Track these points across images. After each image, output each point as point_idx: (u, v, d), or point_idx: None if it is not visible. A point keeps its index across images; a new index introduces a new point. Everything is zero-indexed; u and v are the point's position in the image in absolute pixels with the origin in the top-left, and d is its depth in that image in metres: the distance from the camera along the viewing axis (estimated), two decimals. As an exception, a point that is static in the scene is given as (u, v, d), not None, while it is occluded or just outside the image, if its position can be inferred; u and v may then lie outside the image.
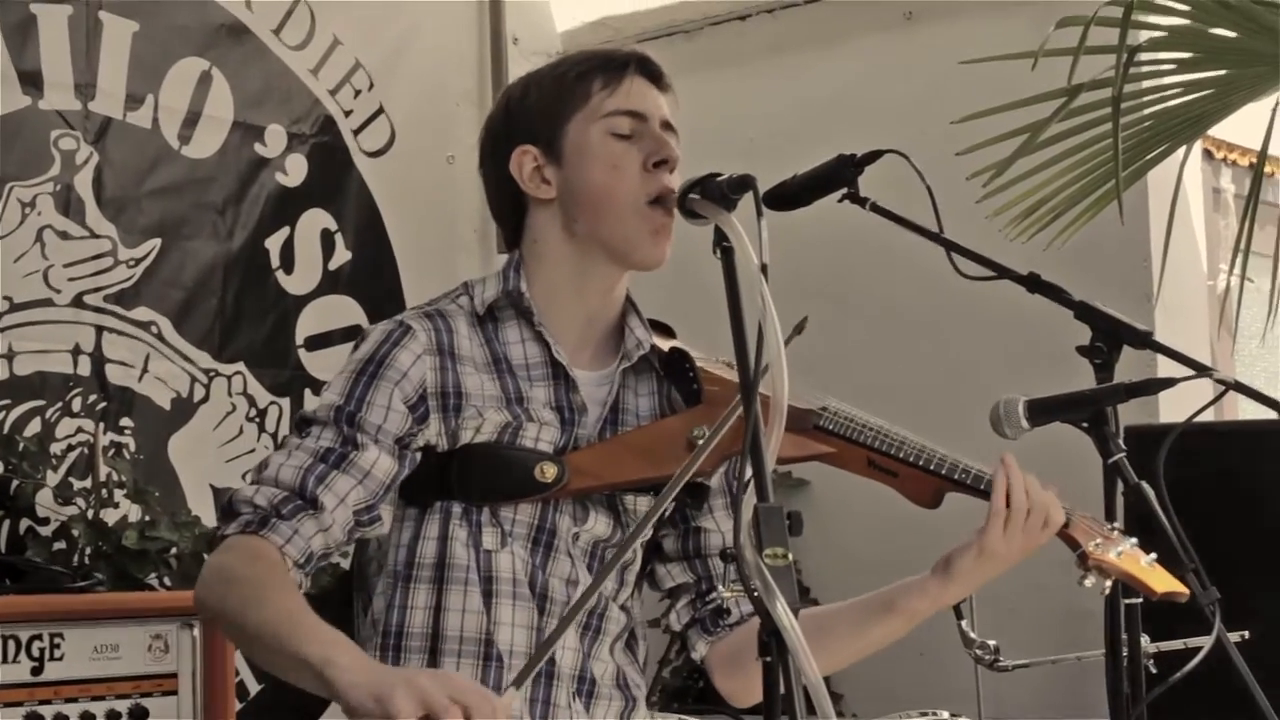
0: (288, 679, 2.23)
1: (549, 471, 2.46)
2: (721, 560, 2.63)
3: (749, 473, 1.94)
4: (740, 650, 2.62)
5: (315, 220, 5.41)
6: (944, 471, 2.57)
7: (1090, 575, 2.55)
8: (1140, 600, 2.62)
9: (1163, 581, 2.56)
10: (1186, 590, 2.55)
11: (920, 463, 2.57)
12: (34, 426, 4.61)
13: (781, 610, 1.84)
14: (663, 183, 2.49)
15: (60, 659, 3.72)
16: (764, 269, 2.08)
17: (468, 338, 2.51)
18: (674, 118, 2.60)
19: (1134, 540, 2.59)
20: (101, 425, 4.74)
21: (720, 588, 2.63)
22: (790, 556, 1.90)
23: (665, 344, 2.64)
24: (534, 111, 2.59)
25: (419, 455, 2.45)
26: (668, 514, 2.64)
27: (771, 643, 1.85)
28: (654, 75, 2.61)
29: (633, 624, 2.63)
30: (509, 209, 2.63)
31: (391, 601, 2.48)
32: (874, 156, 2.69)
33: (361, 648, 2.49)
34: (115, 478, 4.49)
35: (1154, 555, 2.58)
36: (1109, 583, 2.56)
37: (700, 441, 2.48)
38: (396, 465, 2.42)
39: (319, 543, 2.35)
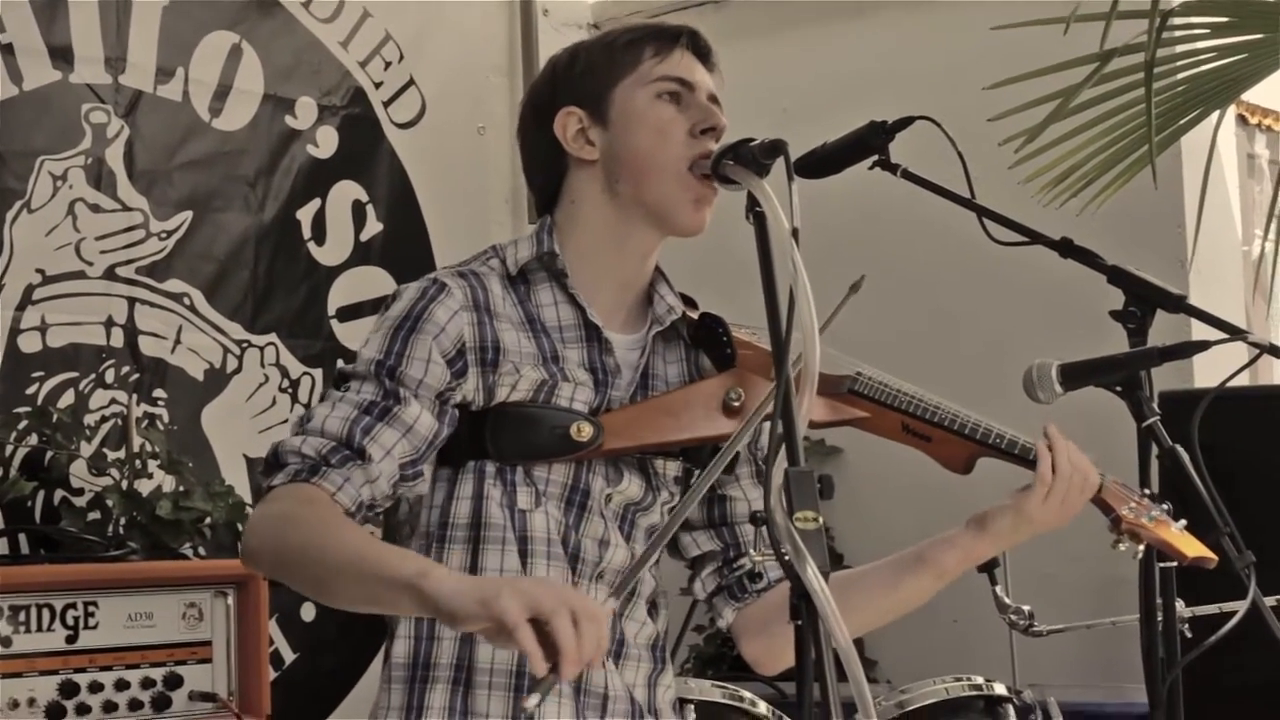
0: (373, 605, 2.24)
1: (585, 430, 2.46)
2: (752, 524, 2.63)
3: (780, 436, 1.94)
4: (768, 616, 2.62)
5: (346, 192, 5.42)
6: (978, 436, 2.57)
7: (1124, 540, 2.57)
8: (1174, 565, 2.62)
9: (1193, 547, 2.57)
10: (1215, 556, 2.55)
11: (955, 427, 2.57)
12: (68, 398, 4.63)
13: (812, 574, 1.84)
14: (708, 149, 2.48)
15: (95, 628, 3.74)
16: (795, 233, 2.07)
17: (501, 297, 2.51)
18: (720, 94, 2.60)
19: (1166, 506, 2.60)
20: (135, 396, 4.76)
21: (751, 552, 2.63)
22: (821, 520, 1.90)
23: (693, 312, 2.64)
24: (582, 75, 2.59)
25: (457, 413, 2.45)
26: (694, 480, 2.64)
27: (802, 606, 1.85)
28: (703, 52, 2.61)
29: (656, 591, 2.63)
30: (547, 171, 2.62)
31: (427, 567, 2.48)
32: (905, 123, 2.68)
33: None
34: (149, 448, 4.51)
35: (1184, 521, 2.58)
36: (1141, 547, 2.57)
37: (736, 404, 2.50)
38: (437, 423, 2.41)
39: (367, 493, 2.34)
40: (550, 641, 1.97)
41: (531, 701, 1.98)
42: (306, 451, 2.35)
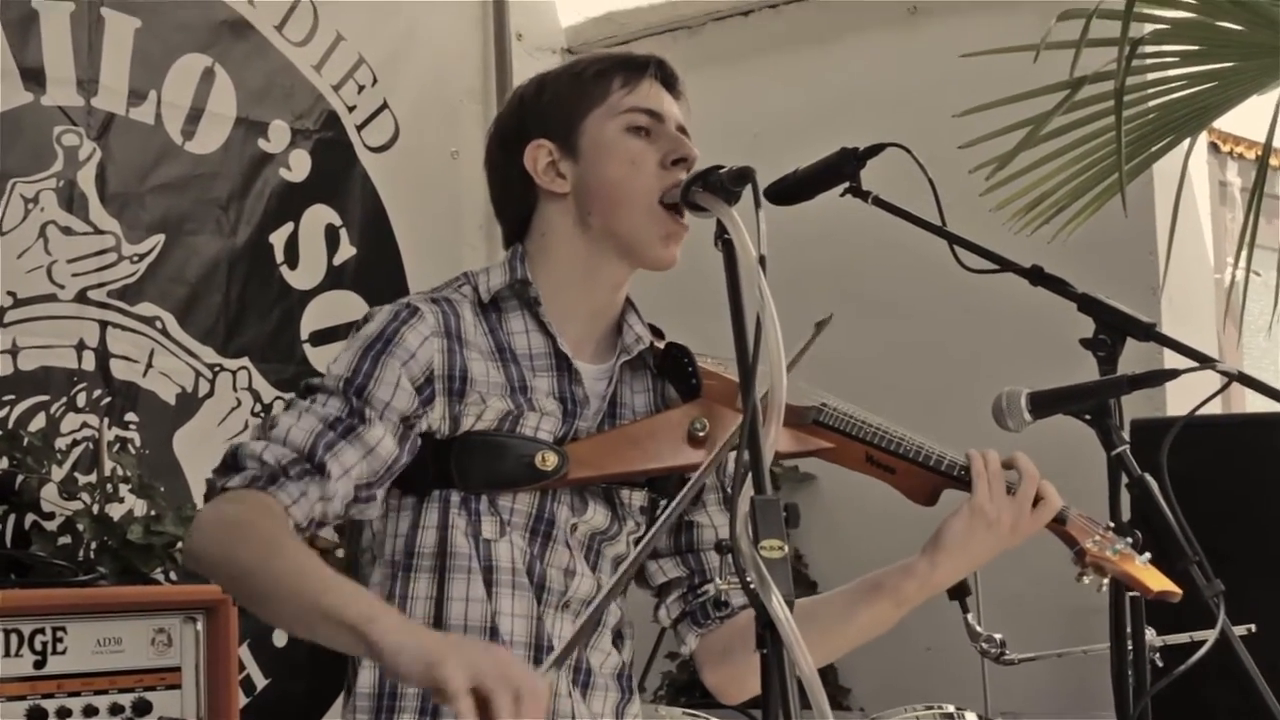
0: (307, 634, 2.20)
1: (550, 460, 2.45)
2: (716, 553, 2.62)
3: (745, 464, 1.94)
4: (729, 644, 2.62)
5: (319, 216, 5.42)
6: (942, 468, 2.57)
7: (1088, 573, 2.57)
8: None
9: (1158, 581, 2.56)
10: (1179, 590, 2.55)
11: (919, 459, 2.57)
12: (39, 421, 4.62)
13: (777, 603, 1.84)
14: (679, 180, 2.48)
15: (63, 653, 3.73)
16: (762, 261, 2.07)
17: (473, 325, 2.50)
18: (687, 123, 2.60)
19: (1130, 539, 2.59)
20: (106, 420, 4.75)
21: (717, 580, 2.62)
22: (786, 549, 1.89)
23: (659, 343, 2.64)
24: (550, 107, 2.59)
25: (419, 441, 2.44)
26: (660, 509, 2.64)
27: (767, 635, 1.84)
28: (670, 82, 2.61)
29: (621, 621, 2.63)
30: (517, 203, 2.62)
31: (391, 592, 2.46)
32: (876, 150, 2.68)
33: None
34: (120, 472, 4.49)
35: (1148, 555, 2.58)
36: (1105, 580, 2.57)
37: (701, 434, 2.49)
38: (399, 449, 2.40)
39: (320, 510, 2.33)
40: (489, 711, 1.95)
41: None
42: (267, 459, 2.33)
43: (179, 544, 4.36)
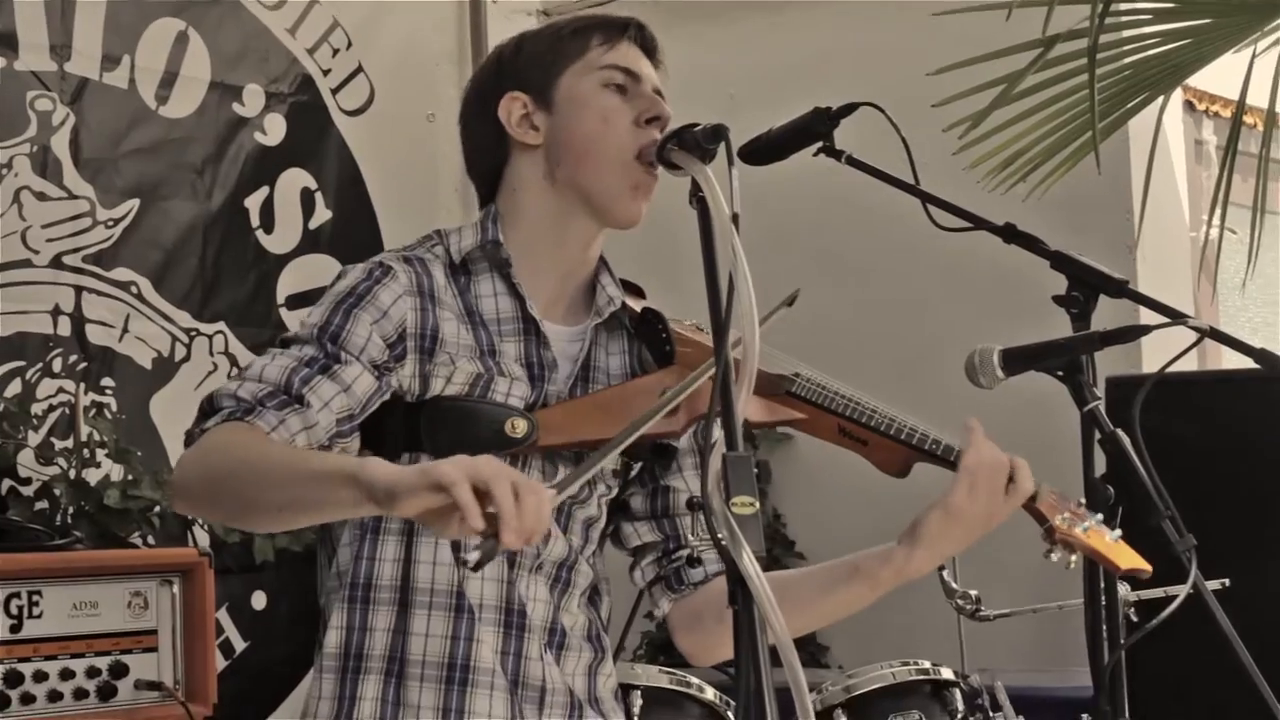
0: (299, 510, 2.21)
1: (519, 426, 2.45)
2: (688, 509, 2.63)
3: (717, 413, 1.95)
4: (701, 610, 2.62)
5: (295, 179, 5.41)
6: (914, 441, 2.57)
7: (1057, 549, 2.56)
8: (1117, 547, 2.63)
9: (1127, 557, 2.57)
10: (1149, 567, 2.55)
11: (891, 432, 2.57)
12: (14, 387, 4.61)
13: (748, 560, 1.84)
14: (653, 138, 2.48)
15: (39, 616, 3.72)
16: (735, 219, 2.07)
17: (444, 285, 2.50)
18: (664, 88, 2.60)
19: (1099, 516, 2.59)
20: (82, 385, 4.75)
21: (690, 537, 2.63)
22: (758, 506, 1.90)
23: (637, 304, 2.64)
24: (528, 61, 2.59)
25: (390, 393, 2.43)
26: (634, 473, 2.64)
27: (738, 592, 1.85)
28: (648, 46, 2.61)
29: (597, 579, 2.63)
30: (489, 158, 2.62)
31: (359, 553, 2.47)
32: (849, 110, 2.68)
33: (327, 599, 2.51)
34: (96, 437, 4.49)
35: (1119, 532, 2.58)
36: (1074, 557, 2.57)
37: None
38: (377, 383, 2.40)
39: (303, 440, 2.32)
40: (491, 515, 1.95)
41: (472, 558, 1.96)
42: (242, 395, 2.32)
43: (156, 508, 4.36)
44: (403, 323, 2.43)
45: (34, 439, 4.51)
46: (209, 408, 2.34)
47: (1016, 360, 2.63)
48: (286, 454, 2.25)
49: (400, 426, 2.45)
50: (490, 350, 2.48)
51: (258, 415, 2.30)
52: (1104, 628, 2.67)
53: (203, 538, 4.52)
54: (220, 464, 2.27)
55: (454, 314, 2.48)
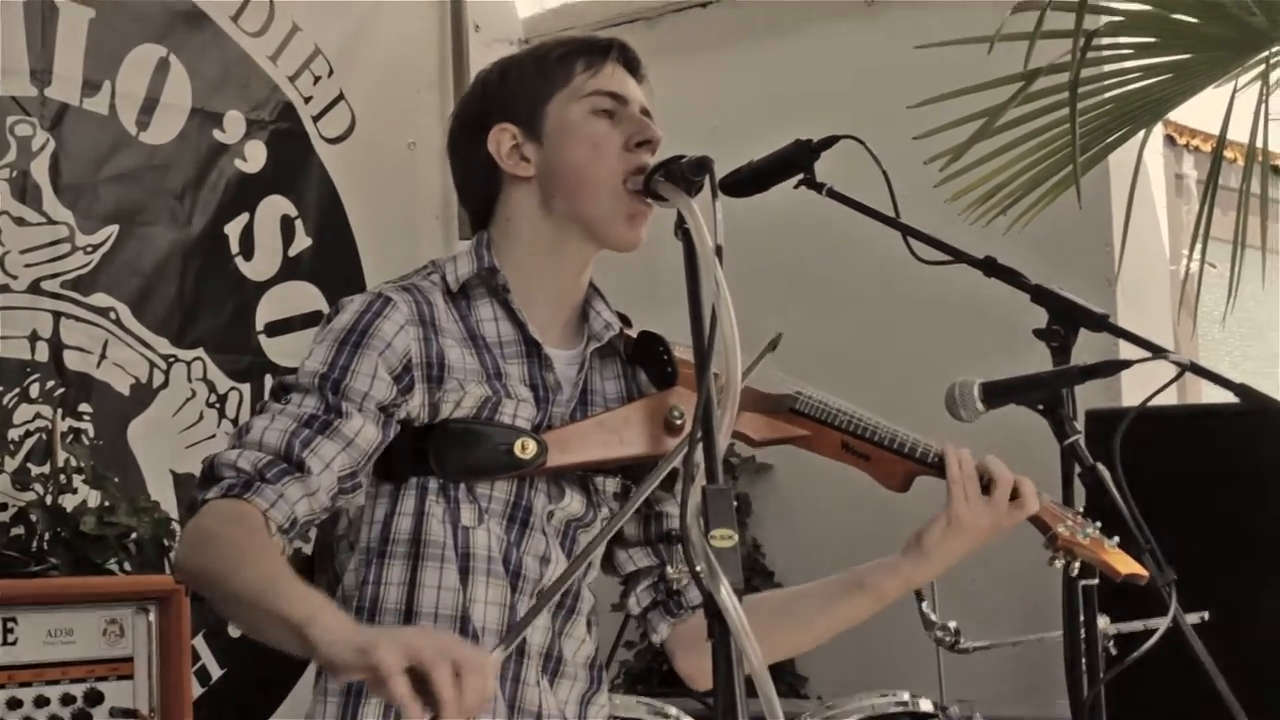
0: (268, 640, 2.19)
1: (529, 448, 2.44)
2: (666, 542, 2.64)
3: (698, 443, 1.95)
4: (702, 634, 2.62)
5: (275, 206, 5.41)
6: (917, 455, 2.59)
7: (1060, 557, 2.59)
8: (1097, 582, 2.64)
9: (1126, 564, 2.60)
10: (1146, 573, 2.56)
11: (894, 446, 2.59)
12: (-9, 413, 4.60)
13: (725, 593, 1.84)
14: (644, 162, 2.48)
15: (14, 643, 3.71)
16: (719, 251, 2.08)
17: (445, 312, 2.50)
18: (650, 106, 2.60)
19: (1097, 524, 2.62)
20: (59, 411, 4.73)
21: (669, 569, 2.63)
22: (736, 538, 1.90)
23: (629, 330, 2.64)
24: (513, 91, 2.58)
25: (399, 427, 2.43)
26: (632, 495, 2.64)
27: (714, 625, 1.85)
28: (633, 64, 2.61)
29: (593, 608, 2.63)
30: (481, 189, 2.61)
31: (365, 577, 2.46)
32: (830, 142, 2.68)
33: None
34: (73, 463, 4.47)
35: (1117, 539, 2.61)
36: (1077, 564, 2.60)
37: (679, 422, 2.49)
38: (380, 434, 2.39)
39: (304, 508, 2.31)
40: (430, 692, 1.94)
41: None
42: (242, 465, 2.31)
43: (132, 535, 4.35)
44: (407, 353, 2.42)
45: (10, 464, 4.50)
46: (210, 474, 2.34)
47: (997, 394, 2.63)
48: (263, 573, 2.20)
49: (409, 450, 2.44)
50: (496, 373, 2.48)
51: (256, 492, 2.29)
52: (1084, 661, 2.67)
53: (179, 565, 4.50)
54: (206, 567, 2.27)
55: (457, 340, 2.48)
